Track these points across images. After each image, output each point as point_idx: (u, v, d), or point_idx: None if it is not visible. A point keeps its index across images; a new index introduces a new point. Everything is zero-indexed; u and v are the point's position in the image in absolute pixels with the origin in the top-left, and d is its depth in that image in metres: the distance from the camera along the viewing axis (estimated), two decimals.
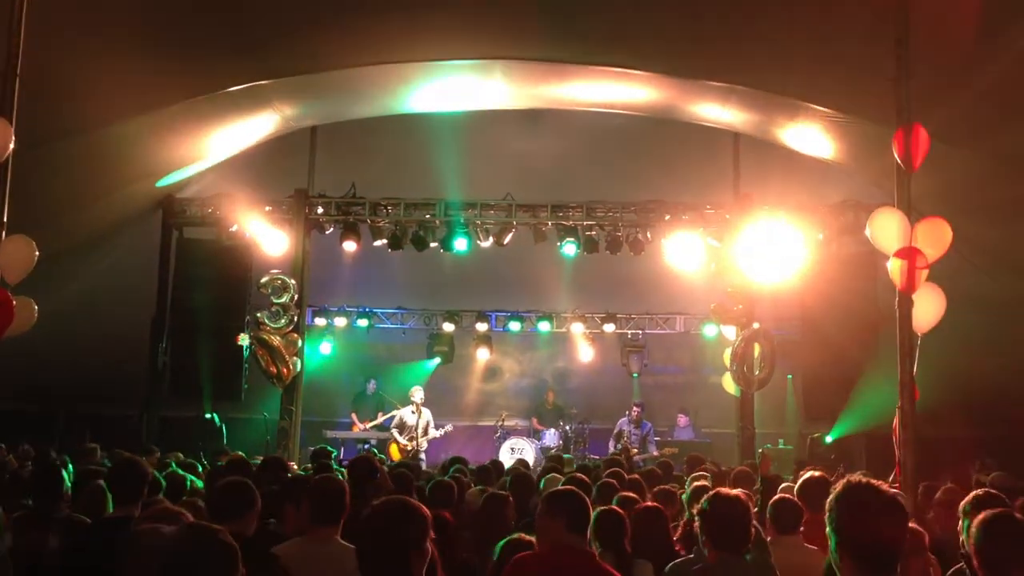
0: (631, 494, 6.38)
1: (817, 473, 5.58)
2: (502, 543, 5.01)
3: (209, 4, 9.36)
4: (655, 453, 14.62)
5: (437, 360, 17.15)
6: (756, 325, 13.24)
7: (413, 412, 15.03)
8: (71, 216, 12.00)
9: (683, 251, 13.93)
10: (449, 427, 15.35)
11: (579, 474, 7.04)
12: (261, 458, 8.15)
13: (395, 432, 15.05)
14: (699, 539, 4.42)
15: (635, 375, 16.81)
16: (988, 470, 10.90)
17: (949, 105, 8.54)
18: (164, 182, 13.42)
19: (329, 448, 10.20)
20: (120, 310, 14.00)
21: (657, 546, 5.16)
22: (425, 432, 14.93)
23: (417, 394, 15.14)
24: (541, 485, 7.70)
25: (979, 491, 4.67)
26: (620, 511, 5.04)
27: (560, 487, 4.95)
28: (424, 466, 13.04)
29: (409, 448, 14.68)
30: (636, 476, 8.17)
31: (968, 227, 10.37)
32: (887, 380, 12.30)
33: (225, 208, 14.09)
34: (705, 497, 4.52)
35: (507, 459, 14.84)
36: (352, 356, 17.87)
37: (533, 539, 4.58)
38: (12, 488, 6.78)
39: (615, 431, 15.52)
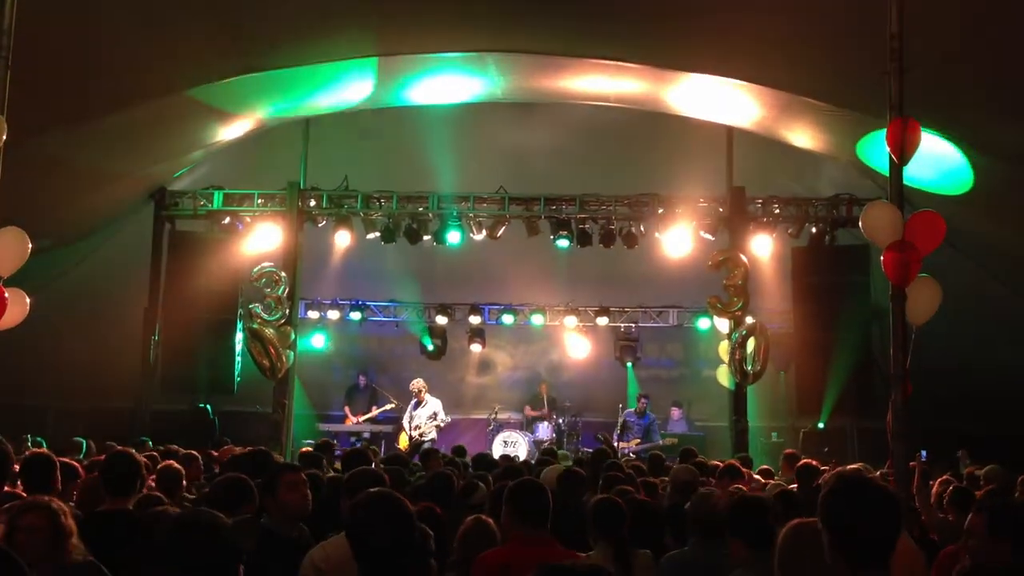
0: (629, 487, 6.41)
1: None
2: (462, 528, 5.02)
3: None
4: (660, 443, 14.78)
5: (430, 348, 17.10)
6: (750, 319, 13.28)
7: (416, 404, 15.14)
8: (63, 209, 11.95)
9: (676, 244, 13.95)
10: (447, 419, 15.41)
11: (576, 467, 7.06)
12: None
13: (405, 423, 15.20)
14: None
15: (629, 365, 16.85)
16: (963, 462, 10.99)
17: (945, 99, 8.57)
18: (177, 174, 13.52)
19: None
20: (112, 303, 13.96)
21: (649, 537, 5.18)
22: (434, 418, 14.99)
23: (418, 386, 15.24)
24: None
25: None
26: (618, 500, 5.06)
27: (519, 480, 4.98)
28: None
29: (414, 437, 14.83)
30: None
31: (962, 220, 10.42)
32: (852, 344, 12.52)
33: (217, 201, 14.07)
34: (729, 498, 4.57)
35: (500, 452, 14.87)
36: (345, 349, 17.85)
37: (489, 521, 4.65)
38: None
39: (620, 422, 15.49)
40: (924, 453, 10.85)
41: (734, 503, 4.39)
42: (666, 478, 8.50)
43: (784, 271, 14.03)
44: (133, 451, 5.71)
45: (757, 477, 8.79)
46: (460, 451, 10.68)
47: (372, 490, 3.49)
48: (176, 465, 6.57)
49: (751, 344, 12.87)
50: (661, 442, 14.77)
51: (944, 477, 7.74)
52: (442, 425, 15.12)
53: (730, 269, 12.98)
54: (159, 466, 6.65)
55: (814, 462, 8.79)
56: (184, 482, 6.52)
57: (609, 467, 7.74)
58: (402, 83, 12.51)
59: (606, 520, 4.82)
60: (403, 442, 14.91)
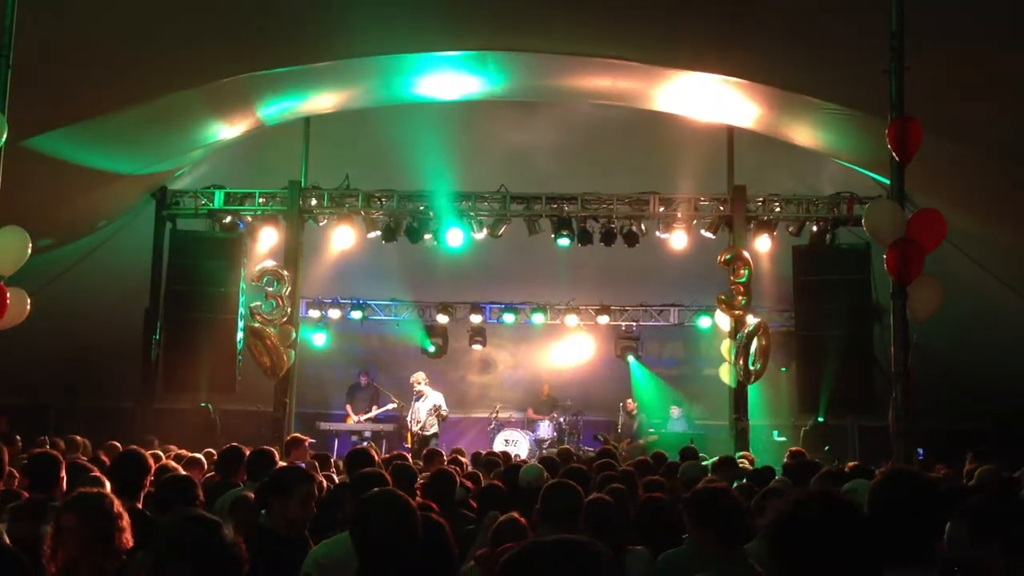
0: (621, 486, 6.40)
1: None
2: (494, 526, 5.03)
3: None
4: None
5: (431, 347, 17.10)
6: (755, 319, 13.28)
7: (417, 398, 15.17)
8: (65, 208, 11.95)
9: (677, 243, 13.94)
10: (447, 409, 15.46)
11: (578, 465, 7.06)
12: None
13: (409, 421, 15.26)
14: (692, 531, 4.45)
15: (634, 362, 16.96)
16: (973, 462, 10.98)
17: (945, 98, 8.57)
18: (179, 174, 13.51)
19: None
20: (114, 302, 13.96)
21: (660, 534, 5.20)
22: (436, 412, 15.01)
23: (419, 381, 15.26)
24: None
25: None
26: (608, 498, 5.05)
27: (553, 481, 4.98)
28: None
29: (417, 433, 14.86)
30: (629, 467, 8.32)
31: (962, 219, 10.42)
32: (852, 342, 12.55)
33: (218, 200, 14.08)
34: (695, 489, 4.56)
35: (501, 451, 14.91)
36: (346, 348, 17.87)
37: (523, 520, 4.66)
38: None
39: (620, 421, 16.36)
40: (921, 451, 10.87)
41: (691, 495, 4.39)
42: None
43: (785, 269, 14.02)
44: (143, 451, 5.73)
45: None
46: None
47: (376, 489, 3.54)
48: (174, 466, 6.59)
49: (754, 344, 12.88)
50: (642, 440, 15.14)
51: (942, 474, 7.74)
52: (444, 415, 15.14)
53: (736, 267, 12.99)
54: (156, 467, 6.67)
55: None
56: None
57: (603, 467, 7.73)
58: (402, 81, 12.49)
59: (597, 519, 4.82)
60: (409, 439, 15.00)
